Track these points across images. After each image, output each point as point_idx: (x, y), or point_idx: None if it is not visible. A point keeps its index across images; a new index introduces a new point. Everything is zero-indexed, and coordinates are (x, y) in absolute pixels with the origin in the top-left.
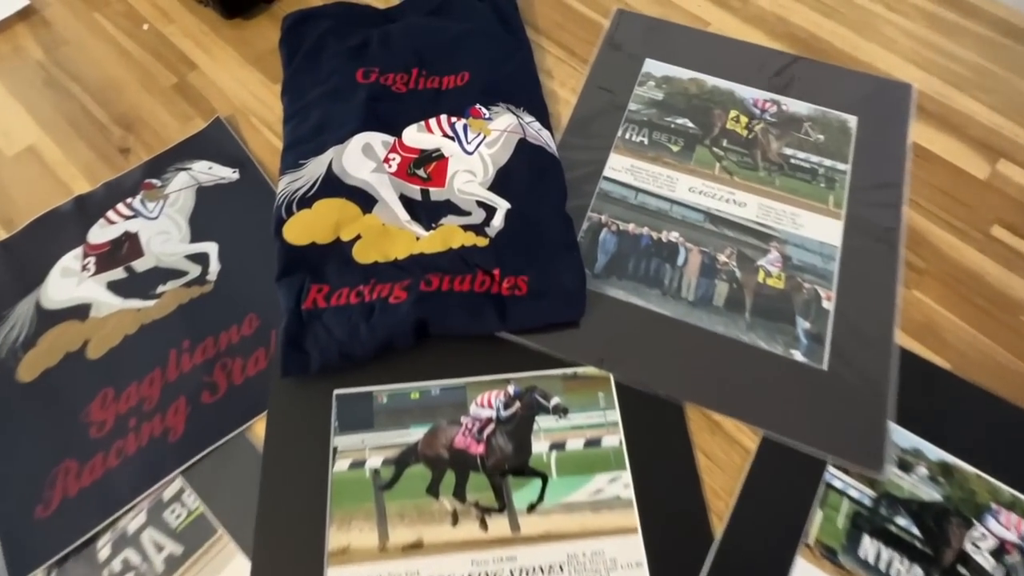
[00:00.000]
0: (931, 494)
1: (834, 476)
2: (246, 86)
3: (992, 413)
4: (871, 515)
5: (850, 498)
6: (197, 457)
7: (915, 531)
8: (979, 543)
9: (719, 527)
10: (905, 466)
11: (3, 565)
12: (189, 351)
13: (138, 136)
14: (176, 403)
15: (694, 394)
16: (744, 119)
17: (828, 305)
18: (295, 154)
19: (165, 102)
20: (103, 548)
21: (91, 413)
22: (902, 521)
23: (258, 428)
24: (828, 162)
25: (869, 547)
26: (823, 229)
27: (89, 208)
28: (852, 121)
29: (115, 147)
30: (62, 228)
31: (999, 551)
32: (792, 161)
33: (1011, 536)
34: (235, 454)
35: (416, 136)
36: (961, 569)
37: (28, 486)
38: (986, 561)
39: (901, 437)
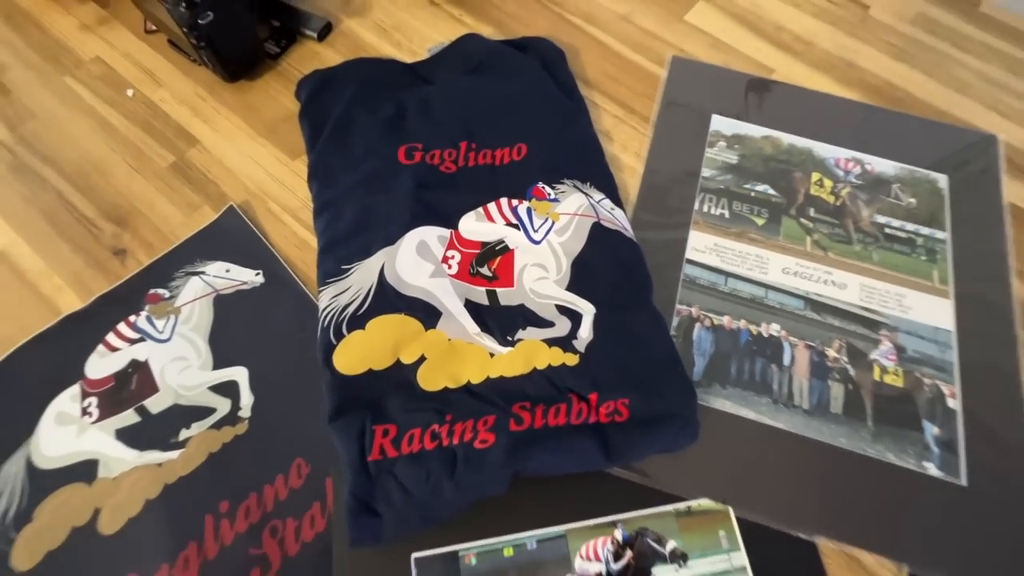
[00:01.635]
0: None
1: None
2: (259, 163)
3: None
4: None
5: None
6: None
7: None
8: None
9: None
10: None
11: None
12: (229, 516)
13: (134, 233)
14: None
15: (826, 527)
16: (828, 183)
17: (954, 404)
18: (335, 258)
19: (163, 187)
20: None
21: None
22: None
23: None
24: (925, 230)
25: None
26: (933, 311)
27: (83, 331)
28: (943, 180)
29: (107, 248)
30: (51, 359)
31: None
32: (887, 231)
33: None
34: None
35: (475, 226)
36: None
37: None
38: None
39: None
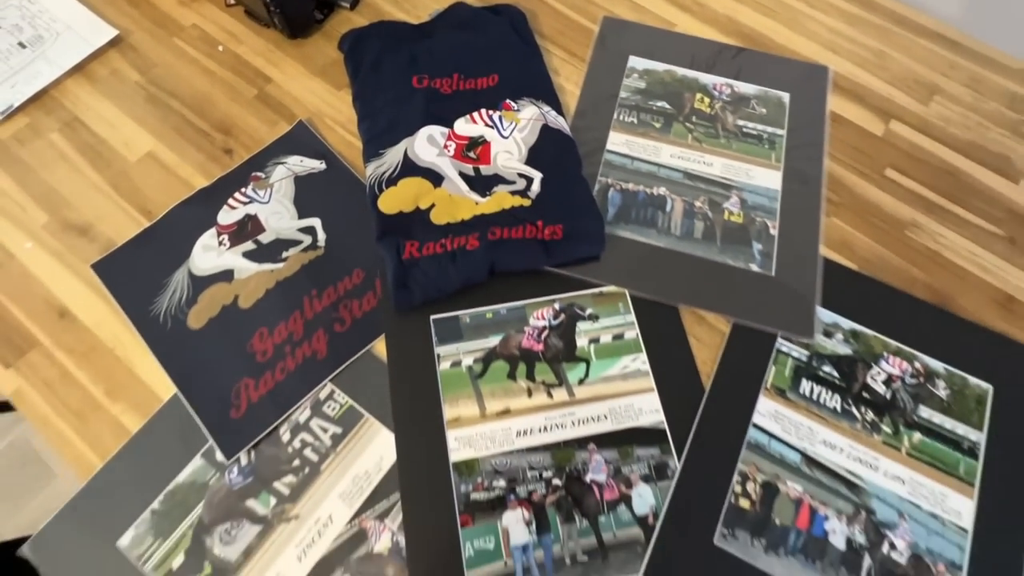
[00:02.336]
0: (845, 350)
1: (782, 343)
2: (316, 94)
3: (885, 296)
4: (807, 366)
5: (792, 357)
6: (340, 369)
7: (835, 374)
8: (875, 377)
9: (707, 383)
10: (828, 334)
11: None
12: (318, 297)
13: (236, 139)
14: (317, 333)
15: (685, 298)
16: (707, 99)
17: (774, 232)
18: (375, 146)
19: (252, 111)
20: (284, 434)
21: (254, 345)
22: (827, 368)
23: (379, 347)
24: (770, 129)
25: (806, 386)
26: (768, 179)
27: (212, 197)
28: (786, 97)
29: (219, 149)
30: (195, 214)
31: (888, 381)
32: (744, 130)
33: (896, 371)
34: (366, 365)
35: (465, 127)
36: (865, 395)
37: (221, 398)
38: (880, 388)
39: (825, 315)
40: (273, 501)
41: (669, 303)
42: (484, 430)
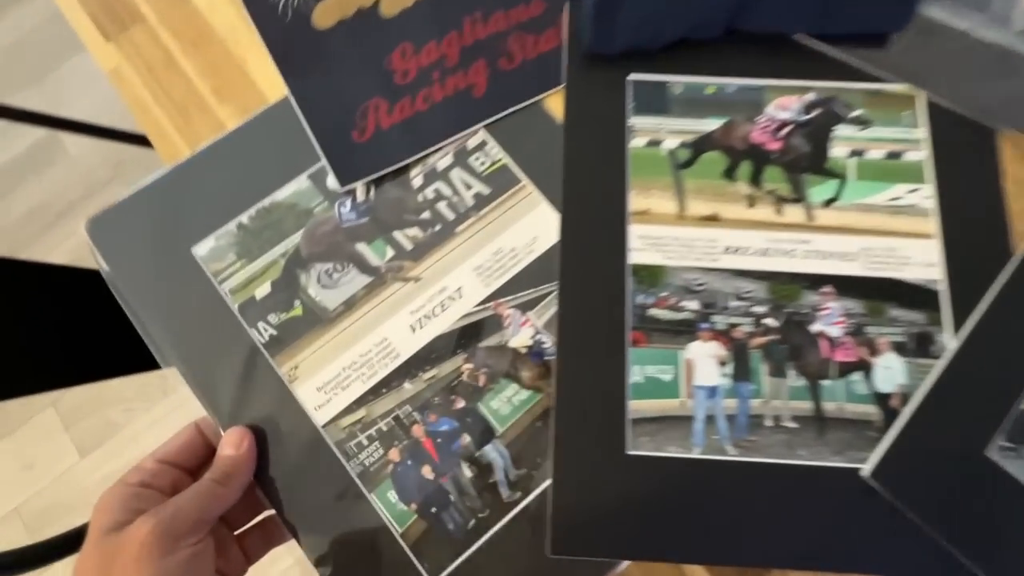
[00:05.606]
0: None
1: None
2: None
3: None
4: None
5: None
6: (500, 115)
7: None
8: None
9: (1019, 244)
10: None
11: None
12: (482, 21)
13: None
14: (476, 64)
15: (1013, 120)
16: None
17: None
18: None
19: None
20: (416, 177)
21: (392, 62)
22: None
23: (553, 103)
24: None
25: None
26: None
27: None
28: None
29: None
30: None
31: None
32: None
33: None
34: (534, 120)
35: None
36: None
37: (343, 113)
38: None
39: None
40: (390, 252)
41: (986, 123)
42: (680, 234)
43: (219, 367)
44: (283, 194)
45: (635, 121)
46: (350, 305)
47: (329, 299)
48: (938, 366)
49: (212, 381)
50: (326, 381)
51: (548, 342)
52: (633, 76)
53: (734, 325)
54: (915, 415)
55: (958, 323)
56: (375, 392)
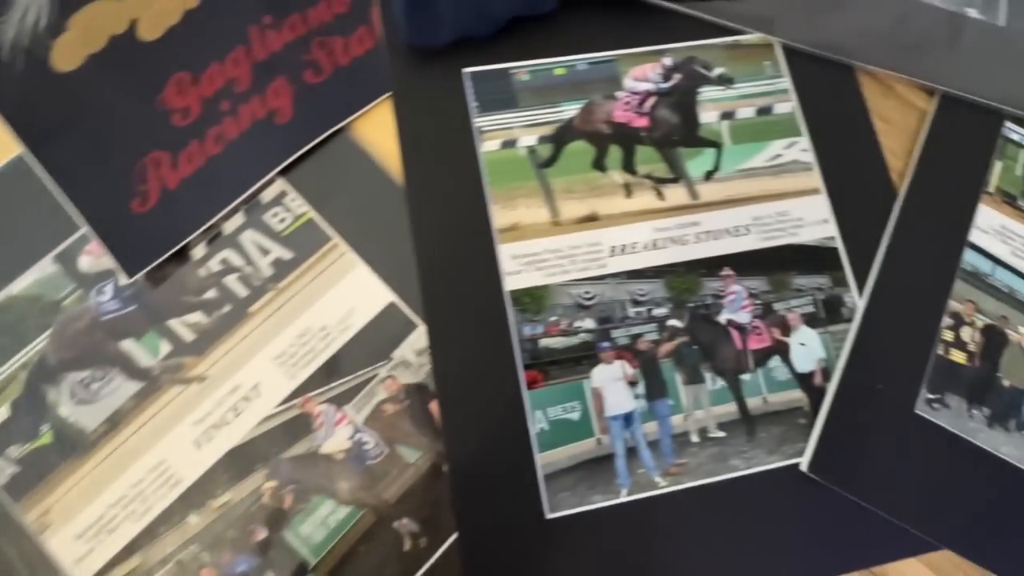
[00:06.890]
0: None
1: (1011, 130)
2: None
3: None
4: None
5: None
6: (312, 143)
7: None
8: None
9: (901, 184)
10: None
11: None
12: (274, 28)
13: None
14: (275, 83)
15: (867, 55)
16: None
17: None
18: None
19: None
20: (196, 246)
21: (167, 99)
22: None
23: (367, 130)
24: None
25: None
26: None
27: None
28: None
29: None
30: None
31: None
32: None
33: None
34: (344, 158)
35: None
36: None
37: (115, 180)
38: None
39: None
40: (166, 348)
41: (843, 61)
42: (558, 244)
43: None
44: (20, 285)
45: (481, 121)
46: (115, 423)
47: (87, 418)
48: (851, 331)
49: None
50: (87, 526)
51: (371, 442)
52: (469, 69)
53: (637, 336)
54: (839, 388)
55: (860, 278)
56: (151, 533)
